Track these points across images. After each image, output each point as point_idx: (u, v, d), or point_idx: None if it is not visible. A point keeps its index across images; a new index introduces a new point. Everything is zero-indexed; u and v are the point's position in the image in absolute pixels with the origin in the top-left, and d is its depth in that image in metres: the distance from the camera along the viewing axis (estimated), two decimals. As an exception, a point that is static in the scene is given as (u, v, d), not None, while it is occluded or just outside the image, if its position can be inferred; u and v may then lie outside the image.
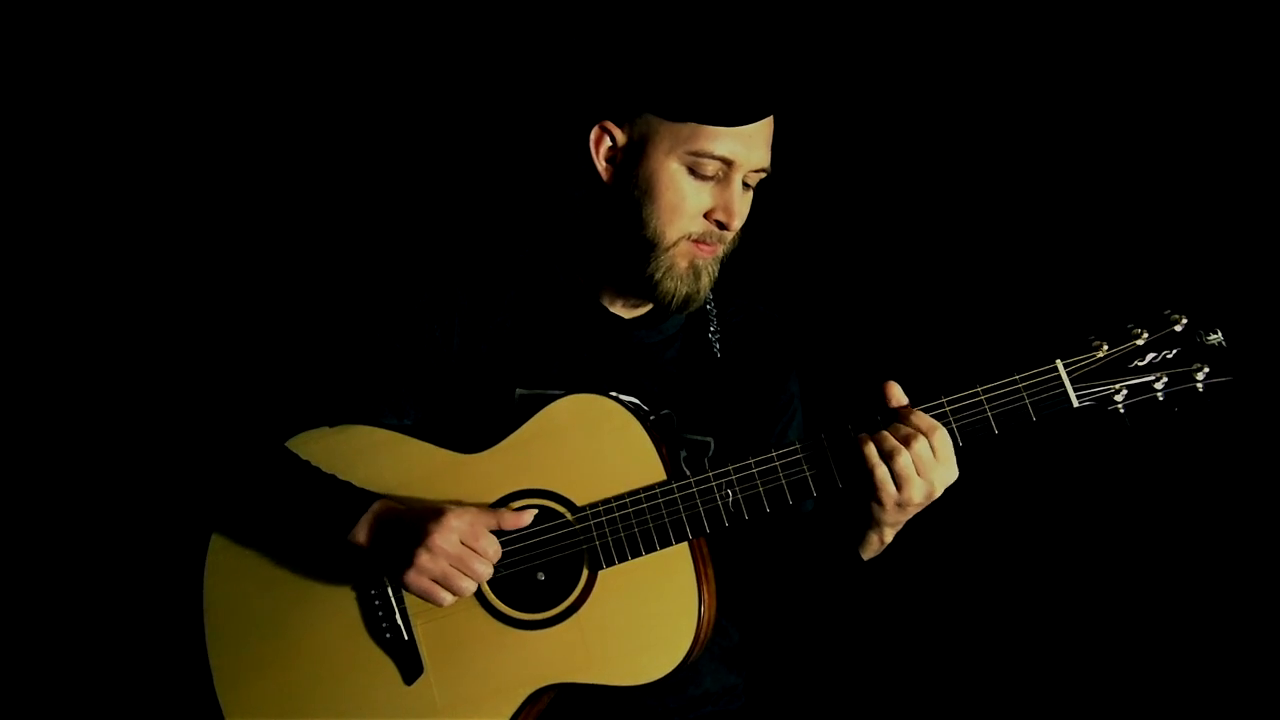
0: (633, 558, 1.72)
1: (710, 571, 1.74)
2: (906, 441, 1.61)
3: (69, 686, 2.53)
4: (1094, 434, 2.18)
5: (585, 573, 1.73)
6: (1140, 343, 1.60)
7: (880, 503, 1.65)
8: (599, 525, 1.72)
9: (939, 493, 1.64)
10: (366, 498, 1.75)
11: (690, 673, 1.86)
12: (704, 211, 1.79)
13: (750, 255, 1.88)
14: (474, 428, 1.81)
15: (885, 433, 1.63)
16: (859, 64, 2.51)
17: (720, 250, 1.83)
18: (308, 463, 1.80)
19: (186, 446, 1.81)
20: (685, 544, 1.72)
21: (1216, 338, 1.59)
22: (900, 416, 1.64)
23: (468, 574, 1.69)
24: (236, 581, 1.83)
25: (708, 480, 1.70)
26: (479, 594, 1.76)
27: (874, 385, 1.67)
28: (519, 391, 1.83)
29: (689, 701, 1.89)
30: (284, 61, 2.55)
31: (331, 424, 1.83)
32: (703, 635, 1.71)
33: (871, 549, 1.76)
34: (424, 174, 2.60)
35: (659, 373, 1.91)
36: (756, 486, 1.69)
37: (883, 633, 2.62)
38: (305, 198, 2.59)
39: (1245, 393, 1.61)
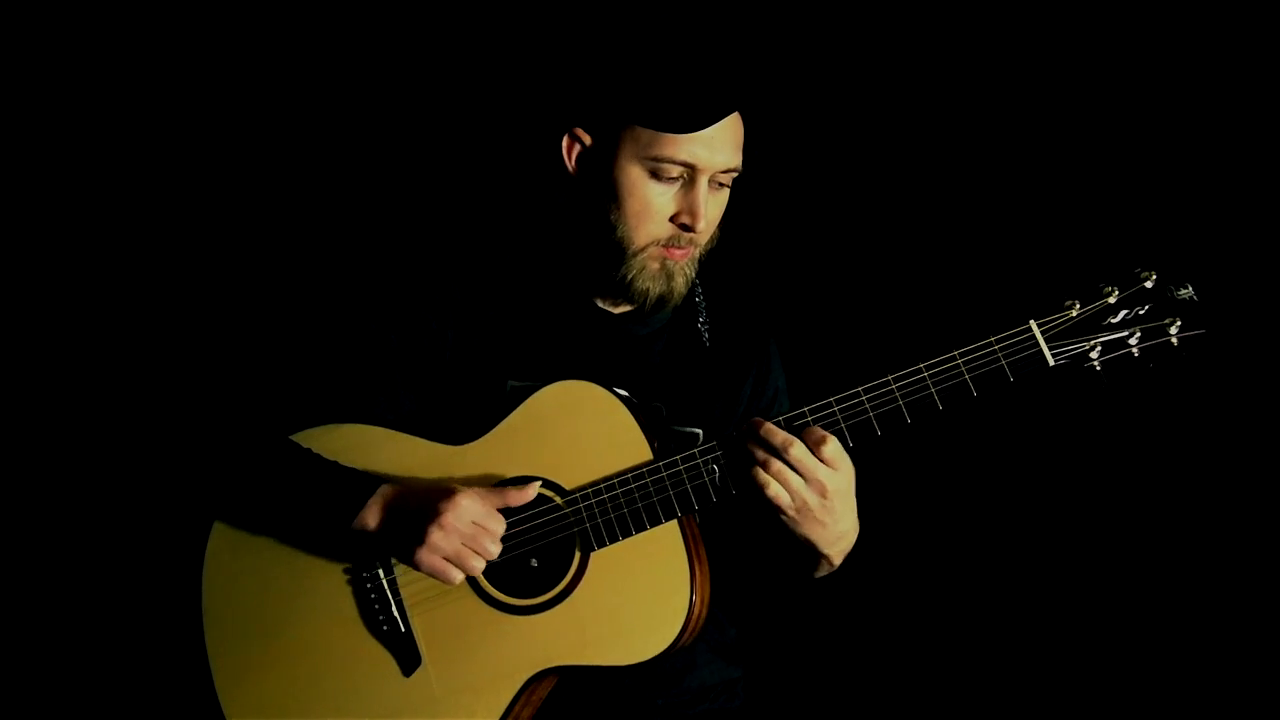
0: (623, 538, 1.73)
1: (702, 551, 1.75)
2: (785, 449, 1.63)
3: (70, 690, 2.53)
4: (1073, 395, 2.20)
5: (577, 556, 1.75)
6: (1112, 300, 1.61)
7: (782, 514, 1.66)
8: (588, 508, 1.74)
9: (831, 491, 1.64)
10: (371, 481, 1.76)
11: (687, 662, 1.88)
12: (669, 215, 1.80)
13: (727, 235, 1.90)
14: (467, 420, 1.82)
15: (760, 449, 1.65)
16: (814, 52, 2.53)
17: (694, 252, 1.84)
18: (310, 451, 1.81)
19: (191, 441, 1.83)
20: (675, 522, 1.73)
21: (1187, 292, 1.60)
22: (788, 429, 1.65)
23: (479, 552, 1.70)
24: (235, 581, 1.84)
25: (693, 456, 1.71)
26: (473, 582, 1.77)
27: (856, 355, 1.69)
28: (511, 384, 1.85)
29: (687, 697, 1.90)
30: (285, 65, 2.58)
31: (330, 415, 1.85)
32: (695, 615, 1.72)
33: (822, 570, 1.77)
34: (418, 175, 2.63)
35: (648, 366, 1.92)
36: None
37: (882, 632, 2.61)
38: (304, 197, 2.61)
39: (1218, 346, 1.62)
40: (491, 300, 1.90)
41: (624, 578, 1.73)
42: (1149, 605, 2.45)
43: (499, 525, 1.72)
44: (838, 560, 1.75)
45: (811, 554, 1.72)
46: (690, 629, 1.72)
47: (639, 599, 1.72)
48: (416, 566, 1.72)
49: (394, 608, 1.79)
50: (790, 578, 1.83)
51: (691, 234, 1.80)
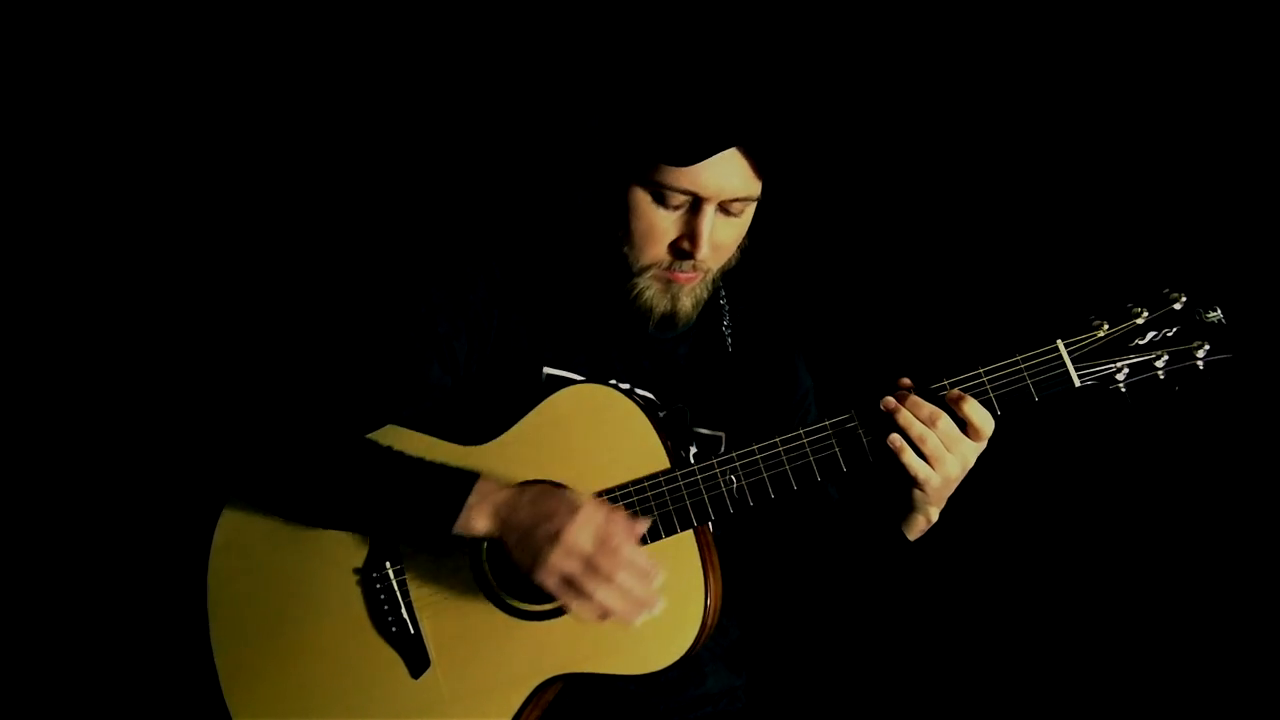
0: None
1: (716, 559, 1.74)
2: (932, 420, 1.61)
3: (75, 690, 2.52)
4: (1096, 415, 2.18)
5: (591, 562, 1.74)
6: (1140, 321, 1.60)
7: (919, 486, 1.65)
8: None
9: (972, 462, 1.65)
10: (466, 480, 1.69)
11: (692, 669, 1.87)
12: (672, 239, 1.78)
13: (755, 246, 1.88)
14: (498, 402, 1.80)
15: (909, 414, 1.62)
16: (838, 70, 2.51)
17: (702, 276, 1.81)
18: (390, 450, 1.75)
19: (259, 445, 1.75)
20: (690, 532, 1.72)
21: (1216, 315, 1.59)
22: (923, 395, 1.64)
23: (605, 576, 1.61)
24: (240, 581, 1.83)
25: (711, 467, 1.70)
26: (485, 585, 1.76)
27: (880, 369, 1.67)
28: (546, 371, 1.84)
29: (689, 702, 1.89)
30: (356, 65, 2.58)
31: (389, 392, 1.79)
32: (709, 623, 1.71)
33: (918, 528, 1.76)
34: (475, 174, 2.63)
35: (673, 369, 1.91)
36: (779, 465, 1.67)
37: (884, 635, 2.60)
38: (343, 192, 2.63)
39: (1245, 370, 1.61)
40: (532, 285, 1.88)
41: (638, 586, 1.72)
42: (1166, 629, 2.44)
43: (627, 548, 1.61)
44: (936, 516, 1.76)
45: (917, 518, 1.74)
46: (703, 637, 1.71)
47: (653, 607, 1.71)
48: (541, 585, 1.64)
49: (404, 609, 1.77)
50: (880, 546, 1.81)
51: (696, 259, 1.78)
